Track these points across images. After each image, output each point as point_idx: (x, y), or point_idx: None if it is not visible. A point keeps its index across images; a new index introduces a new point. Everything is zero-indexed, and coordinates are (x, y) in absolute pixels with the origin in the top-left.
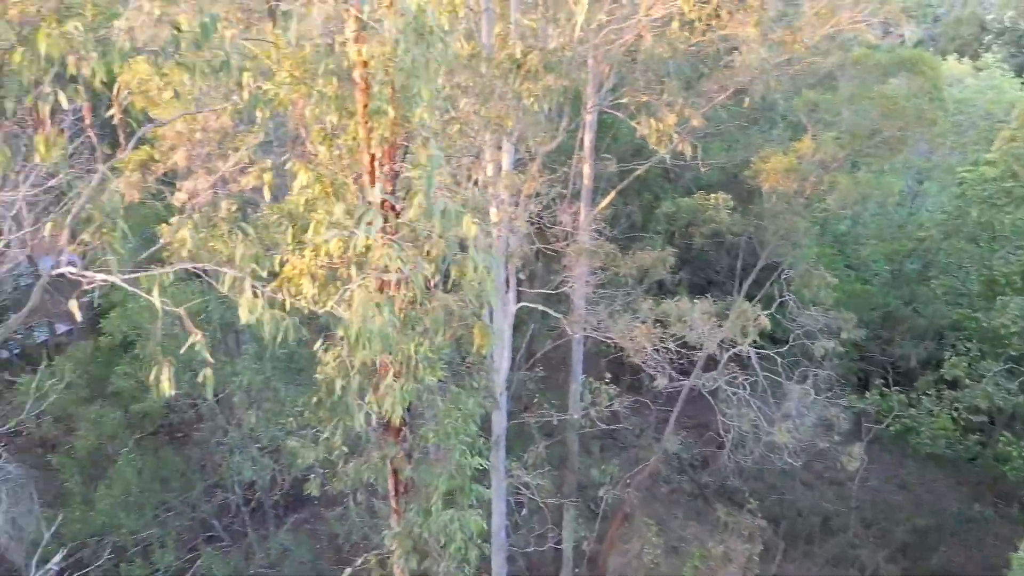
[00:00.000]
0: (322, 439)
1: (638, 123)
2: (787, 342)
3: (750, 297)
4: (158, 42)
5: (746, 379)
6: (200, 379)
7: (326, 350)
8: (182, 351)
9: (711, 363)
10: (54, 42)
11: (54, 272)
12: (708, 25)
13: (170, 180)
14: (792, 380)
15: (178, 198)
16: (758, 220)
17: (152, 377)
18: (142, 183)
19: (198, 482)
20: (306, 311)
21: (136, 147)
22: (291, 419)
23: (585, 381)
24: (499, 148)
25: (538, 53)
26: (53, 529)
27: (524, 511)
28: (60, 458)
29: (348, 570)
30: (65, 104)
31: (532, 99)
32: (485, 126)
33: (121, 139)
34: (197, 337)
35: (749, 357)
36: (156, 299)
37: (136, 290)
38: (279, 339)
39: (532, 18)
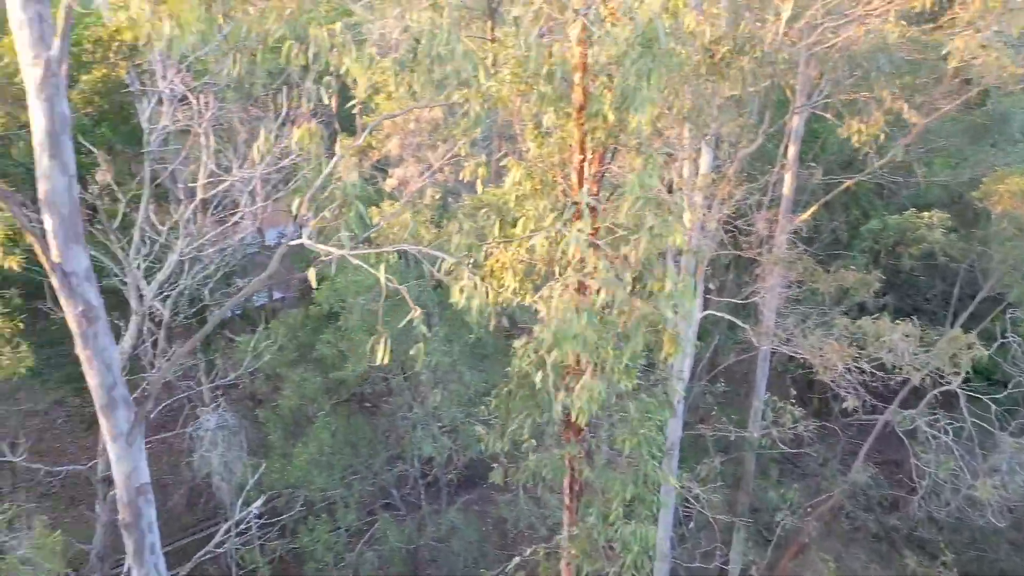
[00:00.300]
0: (509, 431)
1: (845, 122)
2: (1006, 386)
3: (965, 331)
4: (400, 48)
5: (950, 423)
6: (412, 351)
7: (522, 344)
8: (399, 325)
9: (912, 398)
10: (323, 39)
11: (293, 243)
12: (935, 24)
13: (382, 167)
14: (1006, 431)
15: (389, 184)
16: (983, 246)
17: (370, 345)
18: (358, 168)
19: (382, 451)
20: (503, 303)
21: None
22: (483, 408)
23: (769, 399)
24: (696, 149)
25: (730, 39)
26: (256, 477)
27: (692, 525)
28: (266, 413)
29: (516, 559)
30: (326, 100)
31: (724, 83)
32: (681, 122)
33: (358, 128)
34: (416, 313)
35: (957, 398)
36: (382, 274)
37: (364, 264)
38: (484, 323)
39: (719, 8)
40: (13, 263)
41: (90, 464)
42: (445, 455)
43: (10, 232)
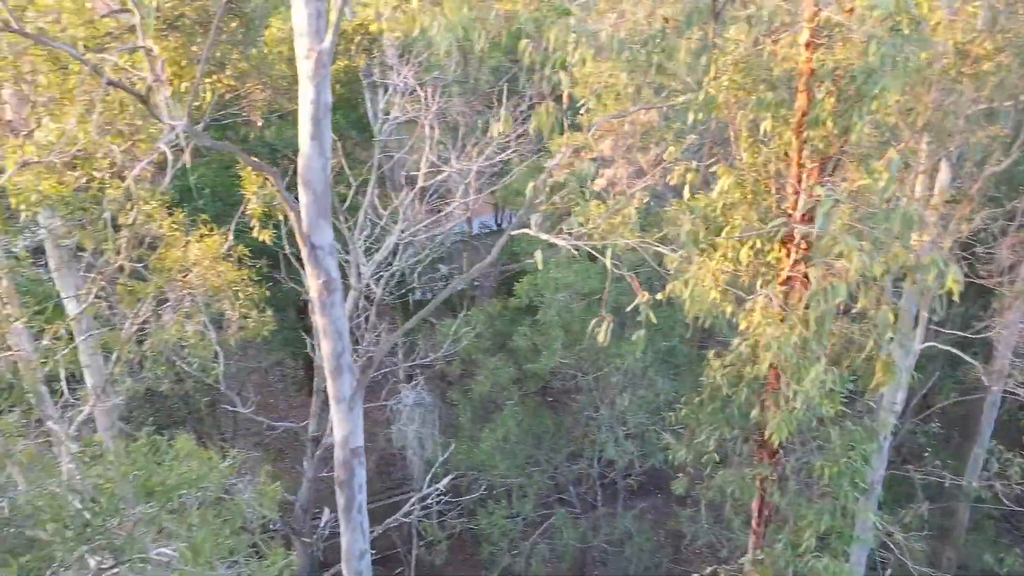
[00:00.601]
0: (696, 443)
1: None
2: None
3: None
4: (640, 37)
5: None
6: (633, 338)
7: (717, 356)
8: (627, 308)
9: None
10: (559, 35)
11: (517, 231)
12: None
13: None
14: None
15: (597, 184)
16: None
17: (591, 326)
18: (569, 167)
19: (564, 447)
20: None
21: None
22: (671, 415)
23: (994, 448)
24: (935, 163)
25: (988, 34)
26: (445, 456)
27: (888, 572)
28: (458, 396)
29: None
30: (567, 88)
31: (976, 90)
32: (920, 132)
33: (583, 125)
34: (644, 298)
35: None
36: (608, 260)
37: (592, 250)
38: (701, 321)
39: (975, 6)
40: (266, 236)
41: (303, 423)
42: (627, 460)
43: (265, 208)
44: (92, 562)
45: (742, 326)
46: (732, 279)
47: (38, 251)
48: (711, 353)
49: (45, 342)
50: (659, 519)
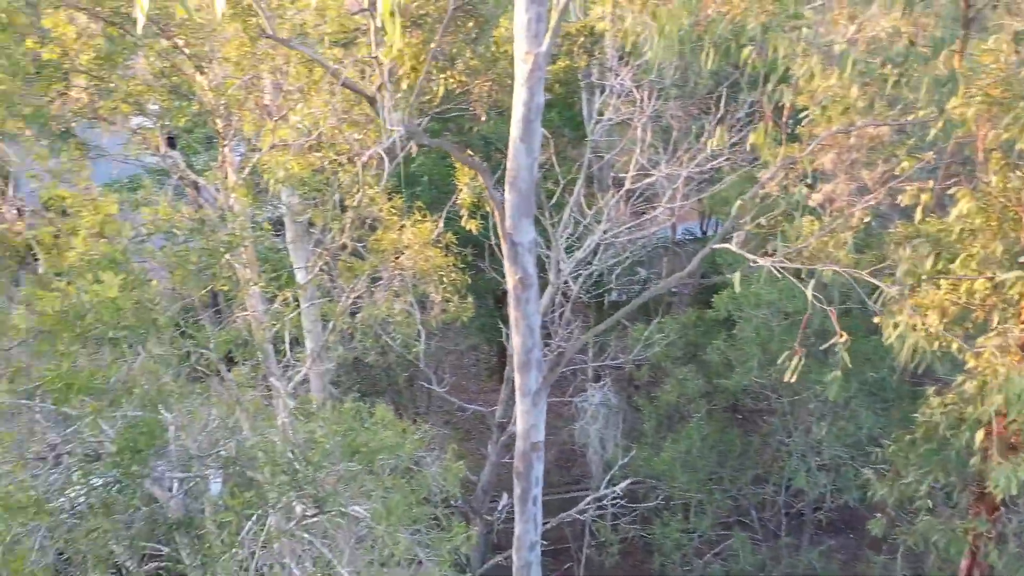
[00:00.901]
0: (902, 484)
1: None
2: None
3: None
4: (880, 48)
5: None
6: (829, 378)
7: (937, 393)
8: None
9: None
10: (787, 44)
11: (718, 245)
12: None
13: (807, 180)
14: None
15: (814, 199)
16: None
17: (781, 360)
18: (784, 179)
19: (749, 469)
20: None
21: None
22: (876, 451)
23: None
24: None
25: None
26: (625, 460)
27: None
28: (644, 402)
29: None
30: (788, 103)
31: None
32: None
33: (804, 137)
34: (841, 339)
35: None
36: (809, 291)
37: (792, 279)
38: (914, 363)
39: None
40: (473, 226)
41: (492, 408)
42: (817, 492)
43: (475, 199)
44: (298, 508)
45: (970, 364)
46: (963, 312)
47: (278, 223)
48: (930, 390)
49: (276, 306)
50: (849, 560)
